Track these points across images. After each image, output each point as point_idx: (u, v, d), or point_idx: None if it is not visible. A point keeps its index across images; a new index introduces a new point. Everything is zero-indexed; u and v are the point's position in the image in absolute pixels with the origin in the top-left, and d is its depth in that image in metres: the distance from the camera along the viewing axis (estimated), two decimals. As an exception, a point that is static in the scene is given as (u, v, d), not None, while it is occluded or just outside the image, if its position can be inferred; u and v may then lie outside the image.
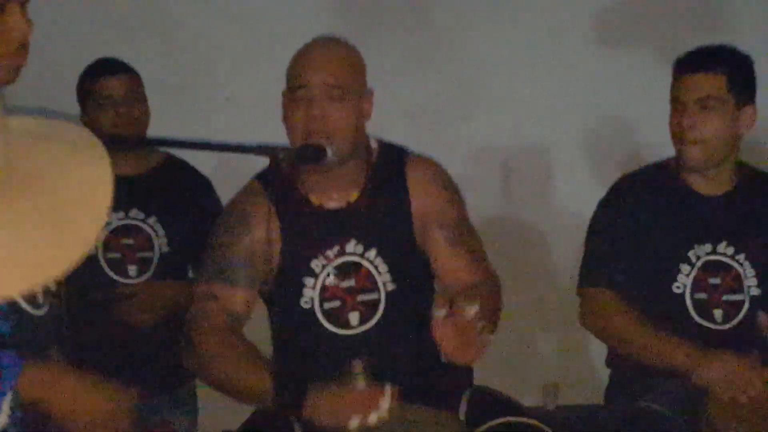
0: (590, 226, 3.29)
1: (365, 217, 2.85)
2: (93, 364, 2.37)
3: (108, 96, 3.51)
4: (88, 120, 3.50)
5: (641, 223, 3.19)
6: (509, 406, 2.80)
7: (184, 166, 3.67)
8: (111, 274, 3.53)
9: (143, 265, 3.56)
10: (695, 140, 3.14)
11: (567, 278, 3.30)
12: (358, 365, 2.62)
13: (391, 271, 2.84)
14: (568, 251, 3.30)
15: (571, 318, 3.29)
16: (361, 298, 2.83)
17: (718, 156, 3.18)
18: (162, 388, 3.46)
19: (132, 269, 3.55)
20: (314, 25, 3.37)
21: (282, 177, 2.86)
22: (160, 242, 3.57)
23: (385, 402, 2.53)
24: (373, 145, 2.92)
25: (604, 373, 3.37)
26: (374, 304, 2.84)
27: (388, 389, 2.54)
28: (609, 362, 3.32)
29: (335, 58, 2.83)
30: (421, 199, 2.88)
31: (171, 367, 3.24)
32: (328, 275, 2.82)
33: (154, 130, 3.52)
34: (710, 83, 3.15)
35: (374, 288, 2.84)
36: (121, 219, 3.56)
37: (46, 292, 2.33)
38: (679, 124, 3.15)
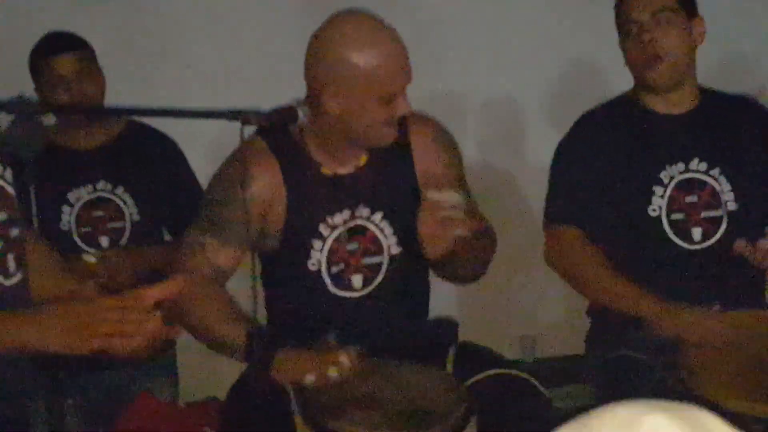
0: (553, 162, 3.22)
1: (374, 182, 2.82)
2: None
3: (59, 75, 3.42)
4: (42, 95, 3.41)
5: (607, 152, 3.12)
6: (495, 359, 2.80)
7: (146, 130, 3.63)
8: (84, 247, 3.50)
9: (114, 234, 3.54)
10: (658, 56, 3.09)
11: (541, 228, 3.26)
12: (332, 338, 2.65)
13: (396, 233, 2.83)
14: (541, 200, 3.25)
15: (546, 267, 3.25)
16: (365, 261, 2.82)
17: (680, 72, 3.12)
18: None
19: (103, 240, 3.52)
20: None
21: (288, 138, 2.81)
22: (130, 211, 3.56)
23: (345, 358, 2.52)
24: None
25: (580, 323, 3.34)
26: (377, 267, 2.83)
27: (351, 349, 2.55)
28: (590, 311, 3.30)
29: None
30: (425, 160, 2.86)
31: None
32: (336, 239, 2.80)
33: (114, 99, 3.46)
34: None
35: (379, 251, 2.83)
36: (90, 193, 3.54)
37: (19, 260, 2.25)
38: (637, 45, 3.09)
